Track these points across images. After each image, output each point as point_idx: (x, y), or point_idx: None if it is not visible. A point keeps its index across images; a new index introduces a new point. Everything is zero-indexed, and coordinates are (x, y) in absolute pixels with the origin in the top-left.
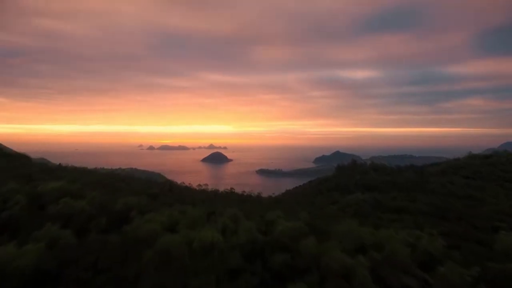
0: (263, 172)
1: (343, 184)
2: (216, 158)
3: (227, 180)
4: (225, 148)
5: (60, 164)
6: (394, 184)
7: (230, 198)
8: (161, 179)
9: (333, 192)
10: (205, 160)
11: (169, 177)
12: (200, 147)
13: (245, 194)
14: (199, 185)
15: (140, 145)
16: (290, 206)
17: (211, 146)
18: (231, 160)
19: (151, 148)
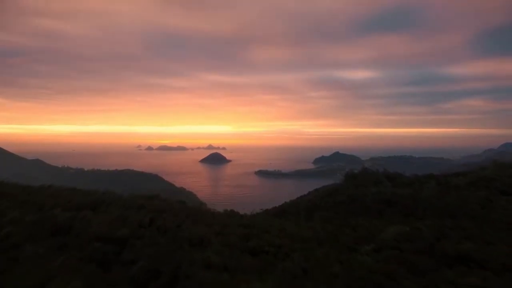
0: (262, 173)
1: (358, 198)
2: (215, 158)
3: (226, 181)
4: (224, 148)
5: (4, 179)
6: (427, 203)
7: (229, 233)
8: (157, 182)
9: (351, 212)
10: (203, 160)
11: (167, 178)
12: (199, 148)
13: (247, 216)
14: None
15: (139, 146)
16: (316, 257)
17: (210, 147)
18: (230, 160)
19: (149, 148)
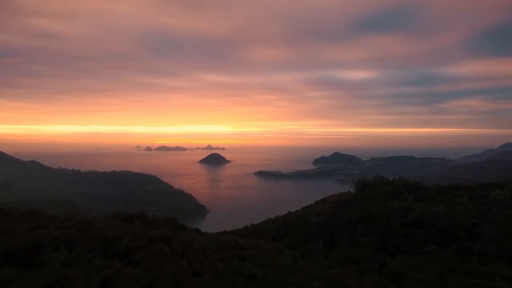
0: (262, 174)
1: (379, 217)
2: (214, 159)
3: (226, 183)
4: (223, 149)
5: None
6: (471, 229)
7: None
8: (155, 183)
9: (374, 235)
10: (203, 161)
11: (166, 179)
12: (198, 148)
13: (248, 244)
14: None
15: (138, 146)
16: None
17: (209, 147)
18: (229, 161)
19: (148, 149)
